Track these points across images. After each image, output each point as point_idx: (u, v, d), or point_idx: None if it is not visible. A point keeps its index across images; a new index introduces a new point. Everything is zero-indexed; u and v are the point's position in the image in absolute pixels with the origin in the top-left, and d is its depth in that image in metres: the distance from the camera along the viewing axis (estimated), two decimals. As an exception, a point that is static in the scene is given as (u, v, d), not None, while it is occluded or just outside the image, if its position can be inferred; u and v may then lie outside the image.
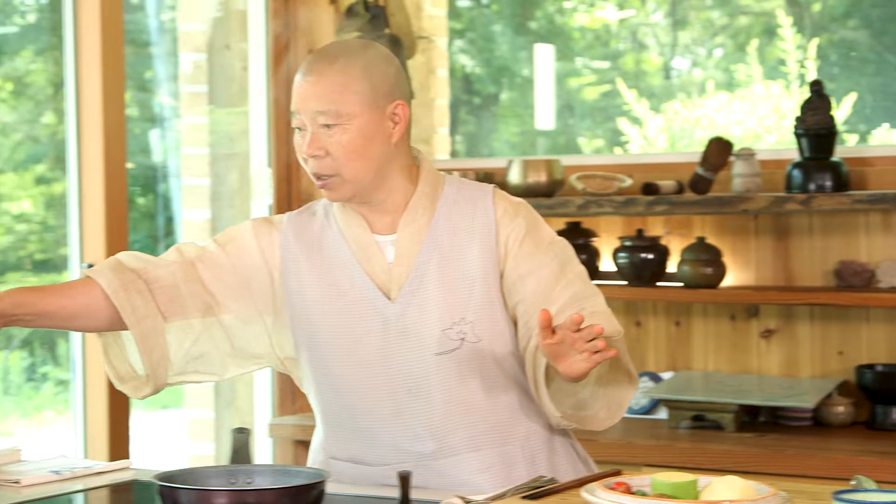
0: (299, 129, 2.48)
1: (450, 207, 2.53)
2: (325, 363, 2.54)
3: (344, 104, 2.43)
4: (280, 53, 4.65)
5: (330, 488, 2.24)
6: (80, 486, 2.59)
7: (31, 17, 5.09)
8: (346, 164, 2.44)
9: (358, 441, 2.55)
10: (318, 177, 2.47)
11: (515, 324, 2.51)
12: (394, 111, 2.48)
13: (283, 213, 2.67)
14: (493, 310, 2.50)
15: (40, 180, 4.96)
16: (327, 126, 2.44)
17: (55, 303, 2.49)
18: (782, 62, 6.99)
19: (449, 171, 4.41)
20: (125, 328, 2.52)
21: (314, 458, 2.64)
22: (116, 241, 4.06)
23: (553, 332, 2.24)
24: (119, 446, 4.08)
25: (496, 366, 2.51)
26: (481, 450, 2.51)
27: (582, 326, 2.23)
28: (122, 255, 2.57)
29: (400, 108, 2.48)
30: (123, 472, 2.72)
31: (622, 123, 7.22)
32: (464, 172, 4.34)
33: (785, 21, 6.92)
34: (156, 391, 2.57)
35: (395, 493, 2.17)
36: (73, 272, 4.11)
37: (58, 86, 4.64)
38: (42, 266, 4.97)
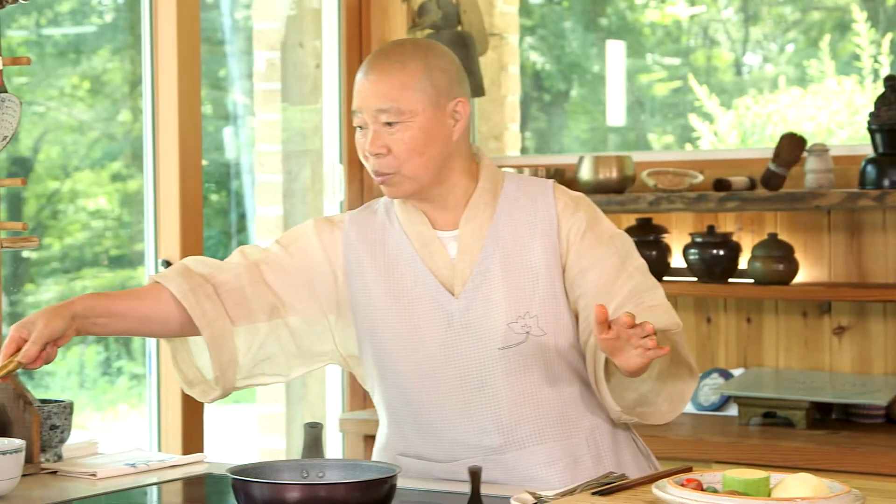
0: (361, 127, 2.49)
1: (511, 203, 2.54)
2: (389, 360, 2.55)
3: (405, 102, 2.44)
4: (353, 51, 4.68)
5: (400, 483, 2.25)
6: (154, 479, 2.62)
7: (109, 17, 5.16)
8: (408, 161, 2.46)
9: (424, 437, 2.56)
10: (379, 173, 2.49)
11: (577, 317, 2.52)
12: (454, 108, 2.49)
13: (355, 209, 2.69)
14: (557, 303, 2.50)
15: (116, 177, 5.02)
16: (389, 124, 2.45)
17: (125, 304, 2.52)
18: (856, 57, 6.92)
19: (519, 167, 4.42)
20: (195, 333, 2.55)
21: (380, 458, 2.65)
22: (191, 238, 4.09)
23: (609, 326, 2.25)
24: (193, 440, 4.11)
25: (560, 359, 2.51)
26: (547, 443, 2.51)
27: (638, 321, 2.23)
28: (189, 261, 2.60)
29: (460, 106, 2.49)
30: (197, 465, 2.74)
31: (693, 119, 7.19)
32: (534, 169, 4.35)
33: (859, 16, 6.85)
34: (224, 394, 2.60)
35: (465, 487, 2.19)
36: (149, 268, 4.15)
37: (134, 84, 4.70)
38: (117, 262, 5.03)
